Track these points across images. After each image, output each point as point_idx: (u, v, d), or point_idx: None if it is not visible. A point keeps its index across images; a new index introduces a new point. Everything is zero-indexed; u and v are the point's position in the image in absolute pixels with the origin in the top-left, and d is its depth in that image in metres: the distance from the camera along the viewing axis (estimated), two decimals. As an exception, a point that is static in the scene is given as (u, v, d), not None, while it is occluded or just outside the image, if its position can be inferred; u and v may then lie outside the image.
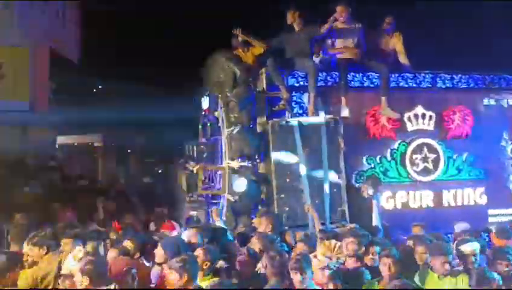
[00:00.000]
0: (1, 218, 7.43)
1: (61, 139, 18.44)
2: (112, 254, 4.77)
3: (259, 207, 6.56)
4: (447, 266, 4.37)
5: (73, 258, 4.69)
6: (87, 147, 21.44)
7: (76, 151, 20.44)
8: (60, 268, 4.71)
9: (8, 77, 12.44)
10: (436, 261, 4.40)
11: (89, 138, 21.23)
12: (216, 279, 4.04)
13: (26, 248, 4.96)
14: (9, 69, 12.46)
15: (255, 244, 4.83)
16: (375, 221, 6.11)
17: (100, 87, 23.98)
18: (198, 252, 4.23)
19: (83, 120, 17.39)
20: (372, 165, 7.06)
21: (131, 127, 20.85)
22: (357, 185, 6.87)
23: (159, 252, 4.46)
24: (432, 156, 7.27)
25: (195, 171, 7.25)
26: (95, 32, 15.80)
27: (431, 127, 7.33)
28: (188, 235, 4.95)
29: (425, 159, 7.25)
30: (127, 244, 4.92)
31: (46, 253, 4.93)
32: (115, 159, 22.11)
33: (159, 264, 4.52)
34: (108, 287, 3.97)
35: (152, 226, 7.45)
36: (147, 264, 4.96)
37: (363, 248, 4.76)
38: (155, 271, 4.71)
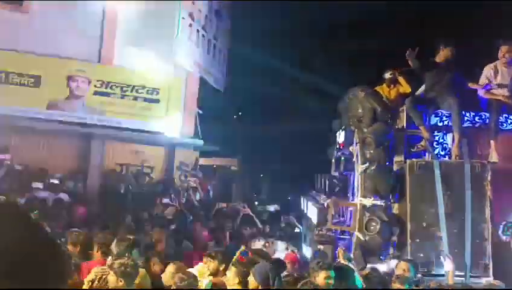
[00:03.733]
0: (139, 230, 7.88)
1: (202, 161, 19.79)
2: None
3: (391, 250, 6.27)
4: None
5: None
6: (225, 169, 22.65)
7: (214, 173, 21.71)
8: None
9: (162, 102, 13.82)
10: None
11: (226, 160, 22.41)
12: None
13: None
14: (164, 95, 13.83)
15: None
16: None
17: (240, 114, 25.35)
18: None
19: (223, 143, 18.52)
20: (524, 218, 6.33)
21: (266, 153, 21.62)
22: (504, 237, 6.22)
23: (250, 279, 4.34)
24: None
25: (326, 205, 7.22)
26: (239, 65, 16.87)
27: None
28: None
29: None
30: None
31: None
32: (249, 183, 22.99)
33: None
34: None
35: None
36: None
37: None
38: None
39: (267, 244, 6.83)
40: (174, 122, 13.82)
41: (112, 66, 13.47)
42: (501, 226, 6.29)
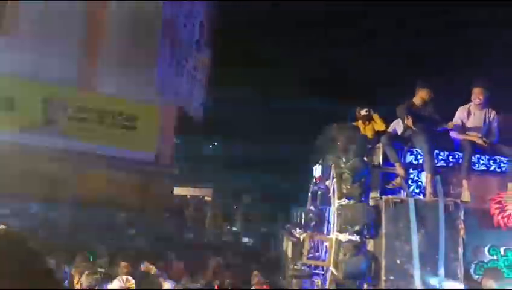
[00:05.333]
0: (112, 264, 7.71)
1: (176, 190, 19.58)
2: None
3: (365, 286, 6.27)
4: None
5: None
6: (198, 200, 22.44)
7: (188, 203, 21.45)
8: None
9: (139, 130, 13.74)
10: None
11: (200, 191, 22.25)
12: None
13: None
14: (141, 123, 13.76)
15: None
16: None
17: (216, 144, 25.35)
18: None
19: (196, 173, 18.41)
20: (495, 257, 6.43)
21: (241, 185, 21.56)
22: (476, 276, 6.29)
23: None
24: None
25: (301, 239, 7.20)
26: (217, 96, 16.98)
27: None
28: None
29: (558, 258, 6.44)
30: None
31: None
32: (222, 214, 22.78)
33: None
34: None
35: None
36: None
37: None
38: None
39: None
40: (150, 150, 13.71)
41: (90, 91, 13.37)
42: (473, 265, 6.38)
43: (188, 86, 15.92)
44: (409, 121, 6.54)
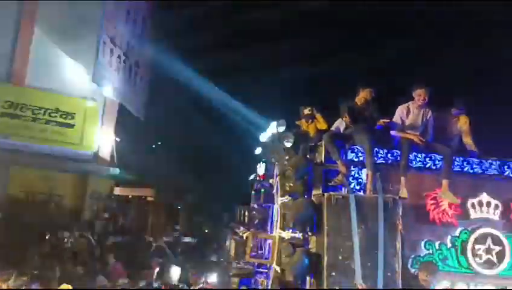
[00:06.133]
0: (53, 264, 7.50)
1: (117, 190, 19.00)
2: None
3: (307, 283, 6.30)
4: None
5: None
6: (140, 200, 21.91)
7: (129, 203, 20.89)
8: None
9: (77, 127, 13.19)
10: None
11: (142, 191, 21.75)
12: None
13: None
14: (79, 120, 13.22)
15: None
16: (431, 311, 5.69)
17: (160, 143, 24.86)
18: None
19: (138, 173, 17.95)
20: (431, 251, 6.68)
21: (184, 184, 21.26)
22: (412, 270, 6.50)
23: None
24: (497, 248, 6.78)
25: (245, 238, 7.16)
26: (161, 93, 16.64)
27: (496, 217, 6.91)
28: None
29: (488, 251, 6.78)
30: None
31: None
32: (164, 214, 22.38)
33: None
34: None
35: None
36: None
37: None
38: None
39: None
40: (88, 149, 13.19)
41: (23, 87, 12.67)
42: (410, 260, 6.59)
43: (130, 83, 15.48)
44: (347, 120, 6.68)
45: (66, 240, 9.67)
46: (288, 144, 6.82)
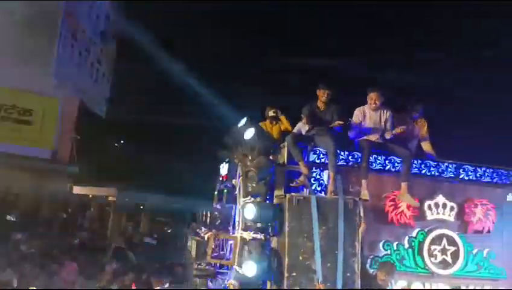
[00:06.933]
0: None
1: (77, 189, 18.53)
2: None
3: (268, 283, 6.31)
4: None
5: None
6: (101, 199, 21.43)
7: (89, 203, 20.41)
8: None
9: (35, 124, 12.78)
10: None
11: (104, 190, 21.27)
12: None
13: None
14: (37, 117, 12.82)
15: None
16: (388, 311, 5.80)
17: (122, 142, 24.41)
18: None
19: (99, 172, 17.56)
20: (389, 252, 6.83)
21: (146, 184, 20.94)
22: (371, 270, 6.62)
23: None
24: (451, 248, 7.00)
25: (206, 238, 7.10)
26: (123, 92, 16.33)
27: (451, 218, 7.13)
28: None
29: (443, 251, 6.99)
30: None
31: None
32: (125, 215, 21.97)
33: None
34: None
35: None
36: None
37: None
38: None
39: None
40: (46, 147, 12.79)
41: (-23, 82, 12.19)
42: (369, 260, 6.70)
43: (91, 79, 15.11)
44: (305, 121, 6.74)
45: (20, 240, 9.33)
46: (248, 135, 6.72)
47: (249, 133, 6.63)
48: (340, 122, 6.77)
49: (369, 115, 7.11)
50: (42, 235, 9.79)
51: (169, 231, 21.15)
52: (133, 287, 7.09)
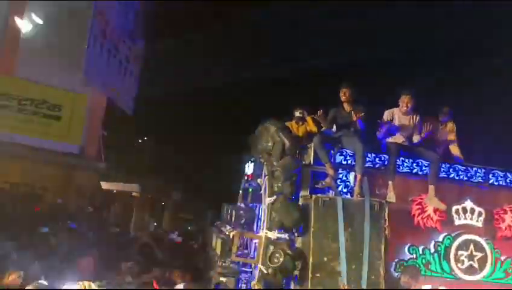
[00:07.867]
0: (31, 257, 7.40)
1: (103, 185, 18.86)
2: None
3: (292, 283, 6.33)
4: None
5: None
6: (125, 195, 21.76)
7: (114, 199, 20.74)
8: None
9: (64, 120, 13.05)
10: None
11: (128, 186, 21.60)
12: None
13: None
14: (66, 113, 13.08)
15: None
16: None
17: (146, 138, 24.71)
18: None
19: (125, 169, 17.83)
20: (414, 256, 6.76)
21: (170, 181, 21.17)
22: (396, 274, 6.57)
23: None
24: (479, 254, 6.88)
25: (231, 237, 7.15)
26: (149, 90, 16.54)
27: (479, 224, 7.01)
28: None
29: (471, 257, 6.88)
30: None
31: None
32: (149, 211, 22.25)
33: None
34: None
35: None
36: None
37: None
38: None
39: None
40: (74, 142, 13.06)
41: (10, 77, 12.50)
42: (393, 264, 6.65)
43: (119, 77, 15.33)
44: (323, 123, 6.77)
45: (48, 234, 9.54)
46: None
47: (271, 130, 6.65)
48: (360, 114, 6.73)
49: (398, 117, 7.07)
50: (70, 229, 10.00)
51: (190, 228, 21.33)
52: (154, 285, 7.16)
